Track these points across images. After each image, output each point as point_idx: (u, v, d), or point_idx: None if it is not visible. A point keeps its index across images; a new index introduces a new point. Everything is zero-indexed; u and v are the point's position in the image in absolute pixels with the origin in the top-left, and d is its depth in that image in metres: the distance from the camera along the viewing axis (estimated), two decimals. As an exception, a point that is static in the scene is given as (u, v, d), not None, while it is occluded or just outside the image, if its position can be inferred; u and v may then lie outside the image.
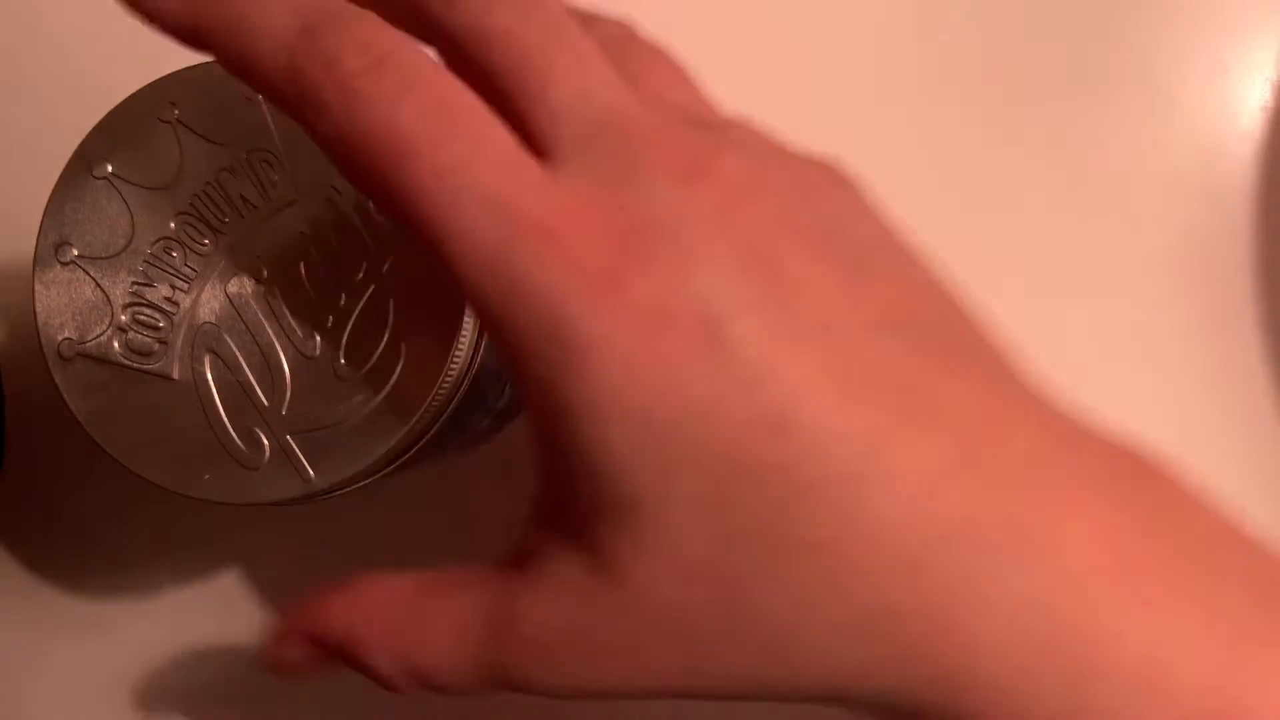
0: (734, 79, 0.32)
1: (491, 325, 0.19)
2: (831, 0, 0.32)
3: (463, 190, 0.18)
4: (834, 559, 0.17)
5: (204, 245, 0.23)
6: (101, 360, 0.23)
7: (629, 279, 0.18)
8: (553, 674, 0.19)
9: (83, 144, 0.24)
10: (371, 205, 0.23)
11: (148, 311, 0.24)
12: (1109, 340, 0.30)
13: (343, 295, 0.23)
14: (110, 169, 0.24)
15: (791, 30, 0.32)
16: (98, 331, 0.24)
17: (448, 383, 0.23)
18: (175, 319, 0.23)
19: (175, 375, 0.23)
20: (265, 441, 0.23)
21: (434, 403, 0.23)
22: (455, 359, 0.23)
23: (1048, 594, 0.17)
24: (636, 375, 0.17)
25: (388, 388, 0.23)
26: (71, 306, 0.24)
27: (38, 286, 0.24)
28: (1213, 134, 0.31)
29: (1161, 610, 0.17)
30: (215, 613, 0.31)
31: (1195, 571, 0.17)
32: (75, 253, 0.24)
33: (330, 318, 0.23)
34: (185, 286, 0.23)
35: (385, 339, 0.23)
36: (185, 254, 0.24)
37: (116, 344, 0.23)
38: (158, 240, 0.24)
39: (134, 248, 0.24)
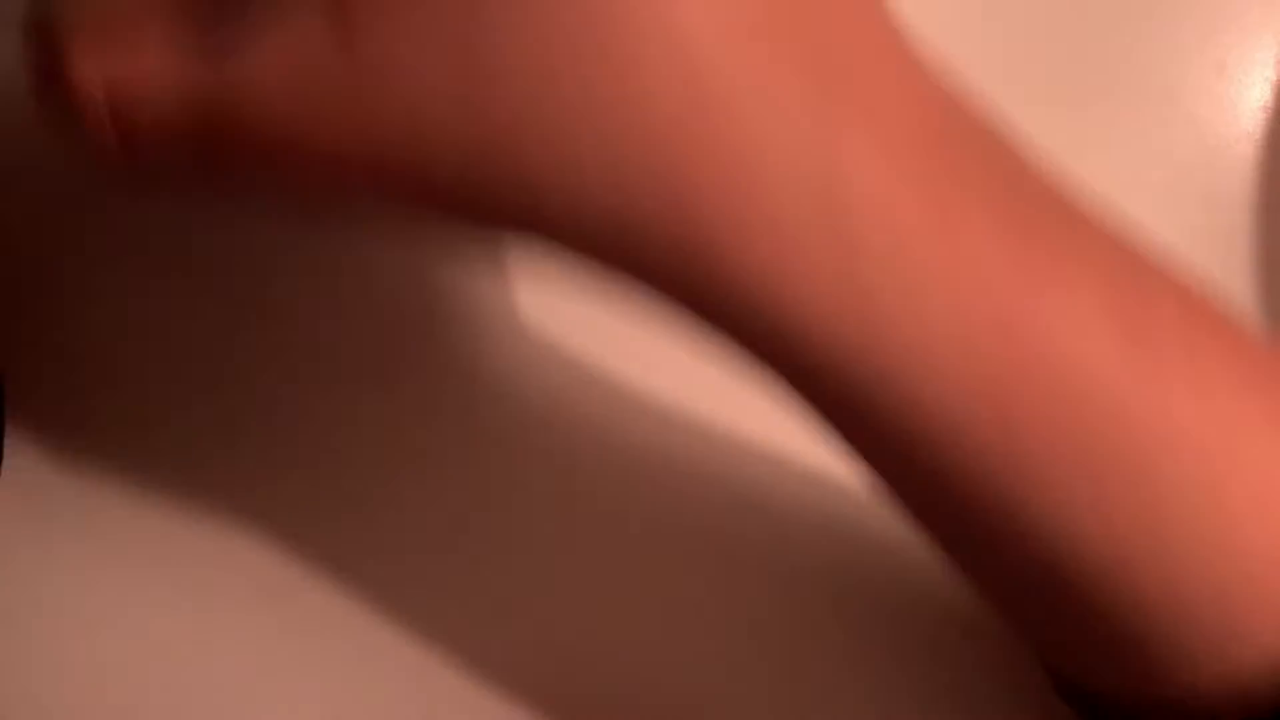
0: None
1: None
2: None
3: None
4: (613, 50, 0.15)
5: None
6: None
7: None
8: (262, 129, 0.17)
9: None
10: None
11: None
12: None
13: None
14: None
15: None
16: None
17: None
18: None
19: None
20: None
21: None
22: None
23: (838, 163, 0.16)
24: None
25: None
26: None
27: None
28: (1213, 134, 0.31)
29: (953, 208, 0.16)
30: (217, 610, 0.31)
31: (1002, 189, 0.17)
32: None
33: None
34: None
35: None
36: None
37: None
38: None
39: None
